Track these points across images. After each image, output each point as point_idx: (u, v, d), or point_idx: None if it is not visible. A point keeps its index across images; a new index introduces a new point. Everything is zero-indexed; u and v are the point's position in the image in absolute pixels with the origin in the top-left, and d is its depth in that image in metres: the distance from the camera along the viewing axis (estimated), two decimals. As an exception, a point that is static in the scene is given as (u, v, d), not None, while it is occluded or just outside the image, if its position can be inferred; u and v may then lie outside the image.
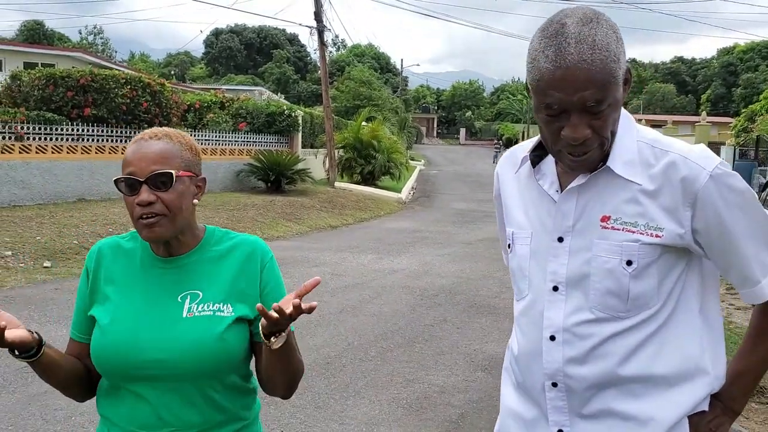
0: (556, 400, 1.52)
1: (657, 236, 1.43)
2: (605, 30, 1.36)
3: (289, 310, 1.36)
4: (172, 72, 50.48)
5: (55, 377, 1.58)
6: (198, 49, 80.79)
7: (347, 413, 4.45)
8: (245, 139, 18.58)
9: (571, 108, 1.36)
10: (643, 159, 1.46)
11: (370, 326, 6.58)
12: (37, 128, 12.95)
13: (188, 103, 18.33)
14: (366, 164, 23.63)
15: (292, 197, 16.97)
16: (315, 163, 21.36)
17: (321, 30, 21.29)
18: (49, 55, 26.06)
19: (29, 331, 1.47)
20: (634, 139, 1.48)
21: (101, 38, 65.97)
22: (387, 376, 5.18)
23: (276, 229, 13.41)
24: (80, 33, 63.41)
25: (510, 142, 50.62)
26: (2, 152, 12.28)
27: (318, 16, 21.16)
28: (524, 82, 1.48)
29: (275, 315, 1.37)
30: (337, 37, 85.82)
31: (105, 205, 12.80)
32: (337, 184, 21.23)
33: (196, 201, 1.61)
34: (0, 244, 9.33)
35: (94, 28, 64.15)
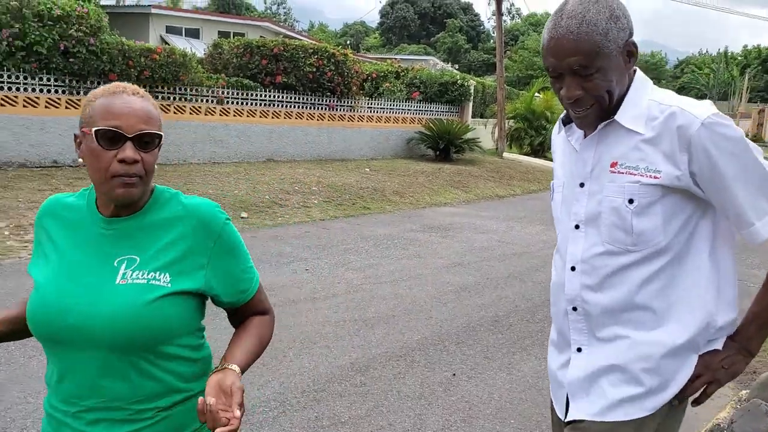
0: (576, 322, 1.79)
1: (655, 177, 1.64)
2: (600, 8, 1.59)
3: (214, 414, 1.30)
4: (348, 42, 52.30)
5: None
6: (373, 20, 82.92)
7: (514, 366, 4.78)
8: (417, 108, 19.12)
9: (563, 71, 1.64)
10: (650, 114, 1.67)
11: (537, 292, 6.81)
12: (235, 93, 14.28)
13: (367, 72, 19.15)
14: (536, 135, 23.36)
15: (460, 166, 17.32)
16: (484, 132, 21.51)
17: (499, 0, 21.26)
18: (240, 25, 27.92)
19: None
20: (646, 98, 1.69)
21: (284, 8, 69.70)
22: (553, 338, 5.41)
23: (444, 196, 13.84)
24: (265, 2, 67.39)
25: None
26: (206, 114, 13.71)
27: (496, -15, 21.13)
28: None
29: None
30: (512, 5, 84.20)
31: (291, 166, 13.95)
32: (505, 154, 21.24)
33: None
34: (204, 195, 10.55)
35: (279, -2, 67.96)
